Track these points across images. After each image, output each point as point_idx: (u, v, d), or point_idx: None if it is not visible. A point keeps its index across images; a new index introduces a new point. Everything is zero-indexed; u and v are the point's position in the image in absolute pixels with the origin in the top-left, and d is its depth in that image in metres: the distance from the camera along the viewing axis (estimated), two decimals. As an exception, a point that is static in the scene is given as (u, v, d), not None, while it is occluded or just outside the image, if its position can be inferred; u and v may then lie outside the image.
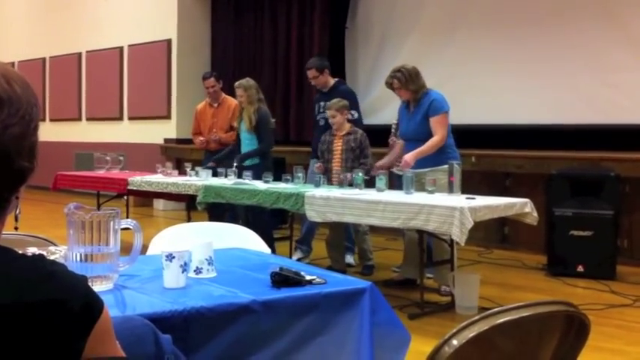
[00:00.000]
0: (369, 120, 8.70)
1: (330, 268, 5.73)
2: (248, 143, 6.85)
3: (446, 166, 5.19)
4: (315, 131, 6.80)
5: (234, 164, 6.54)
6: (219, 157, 7.00)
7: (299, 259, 6.18)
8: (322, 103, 6.66)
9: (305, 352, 2.12)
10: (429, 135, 5.35)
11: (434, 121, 5.33)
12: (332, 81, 6.80)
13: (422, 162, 5.32)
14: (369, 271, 6.07)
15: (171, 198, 7.81)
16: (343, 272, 5.31)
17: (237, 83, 6.86)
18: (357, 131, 6.12)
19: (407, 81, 5.37)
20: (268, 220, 6.49)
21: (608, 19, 7.45)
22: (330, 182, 5.93)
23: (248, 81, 6.85)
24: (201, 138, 7.72)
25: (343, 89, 6.80)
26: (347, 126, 6.13)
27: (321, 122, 6.67)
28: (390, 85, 5.46)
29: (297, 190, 5.39)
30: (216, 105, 7.69)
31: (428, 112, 5.35)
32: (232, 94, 7.47)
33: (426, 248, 5.09)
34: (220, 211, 6.68)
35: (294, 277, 2.22)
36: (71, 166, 12.64)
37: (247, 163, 6.72)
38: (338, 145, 6.12)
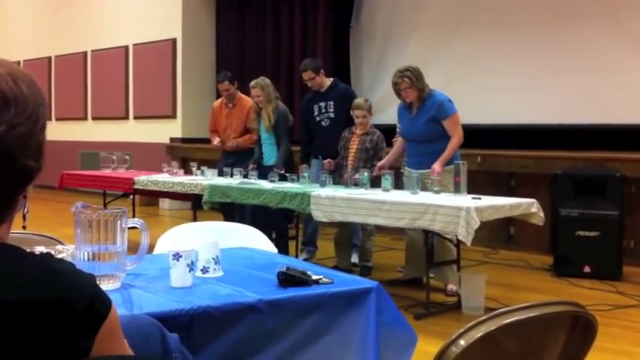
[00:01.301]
0: (373, 120, 8.69)
1: (335, 267, 5.74)
2: (268, 142, 6.87)
3: (450, 167, 5.19)
4: (316, 132, 6.69)
5: (282, 171, 6.40)
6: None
7: (305, 260, 6.18)
8: (322, 104, 6.61)
9: (310, 351, 2.13)
10: (435, 136, 5.35)
11: (449, 123, 5.34)
12: (328, 81, 6.73)
13: (426, 162, 5.32)
14: (367, 272, 5.98)
15: (177, 197, 7.82)
16: (349, 271, 5.32)
17: (253, 82, 6.77)
18: (375, 132, 6.11)
19: (417, 80, 5.36)
20: (281, 220, 6.47)
21: (613, 20, 7.43)
22: (341, 178, 5.93)
23: (264, 79, 6.79)
24: (218, 139, 7.58)
25: (344, 88, 6.78)
26: (367, 126, 6.13)
27: (325, 122, 6.62)
28: (397, 85, 5.43)
29: (303, 190, 5.39)
30: (231, 105, 7.52)
31: (437, 115, 5.33)
32: (245, 93, 7.46)
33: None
34: (233, 210, 6.68)
35: (300, 277, 2.22)
36: (77, 165, 12.67)
37: (270, 163, 6.74)
38: (354, 144, 6.12)
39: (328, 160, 6.18)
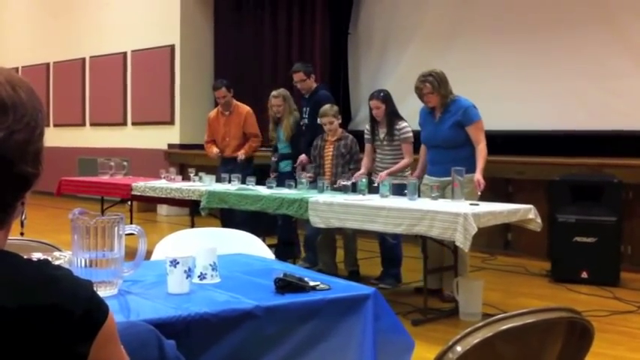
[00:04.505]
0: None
1: (319, 271, 5.73)
2: (285, 152, 6.96)
3: (471, 175, 5.14)
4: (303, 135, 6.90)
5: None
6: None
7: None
8: (305, 109, 6.80)
9: (308, 357, 2.12)
10: (460, 142, 5.31)
11: (474, 129, 5.29)
12: (314, 86, 6.87)
13: (448, 170, 5.11)
14: (355, 277, 5.91)
15: (175, 203, 7.82)
16: (334, 276, 5.30)
17: (275, 92, 6.90)
18: (348, 137, 6.19)
19: (439, 85, 5.31)
20: (286, 228, 6.56)
21: (610, 26, 7.45)
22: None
23: (286, 91, 6.93)
24: (216, 149, 7.58)
25: (321, 94, 6.83)
26: (339, 131, 6.18)
27: (304, 127, 6.81)
28: (419, 90, 5.38)
29: (301, 196, 5.39)
30: (227, 113, 7.53)
31: (463, 120, 5.30)
32: (240, 100, 7.51)
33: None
34: (231, 217, 6.74)
35: (297, 283, 2.22)
36: (75, 171, 12.65)
37: (287, 169, 6.80)
38: (329, 151, 6.19)
39: (308, 174, 6.19)
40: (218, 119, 7.62)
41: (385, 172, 5.72)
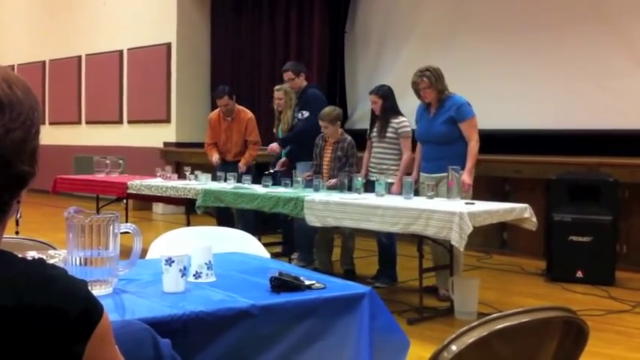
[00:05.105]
0: (367, 125, 8.70)
1: (315, 269, 5.73)
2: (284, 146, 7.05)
3: (462, 172, 5.15)
4: None
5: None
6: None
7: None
8: (296, 107, 6.90)
9: (304, 356, 2.12)
10: (453, 138, 5.32)
11: (466, 126, 5.30)
12: (304, 84, 6.97)
13: (444, 166, 5.11)
14: (350, 275, 5.92)
15: (171, 202, 7.82)
16: (329, 274, 5.31)
17: (278, 86, 7.10)
18: (346, 139, 6.19)
19: (436, 80, 5.34)
20: (287, 225, 6.63)
21: (609, 25, 7.46)
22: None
23: (289, 86, 7.03)
24: (217, 156, 7.45)
25: (310, 92, 6.91)
26: (338, 133, 6.20)
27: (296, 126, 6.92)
28: (416, 85, 5.40)
29: (297, 195, 5.39)
30: (229, 119, 7.40)
31: (456, 116, 5.31)
32: (237, 99, 7.50)
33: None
34: (228, 216, 6.79)
35: (293, 282, 2.22)
36: (71, 169, 12.63)
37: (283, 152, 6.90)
38: (327, 152, 6.22)
39: (307, 173, 6.23)
40: (220, 123, 7.49)
41: (396, 180, 5.70)
